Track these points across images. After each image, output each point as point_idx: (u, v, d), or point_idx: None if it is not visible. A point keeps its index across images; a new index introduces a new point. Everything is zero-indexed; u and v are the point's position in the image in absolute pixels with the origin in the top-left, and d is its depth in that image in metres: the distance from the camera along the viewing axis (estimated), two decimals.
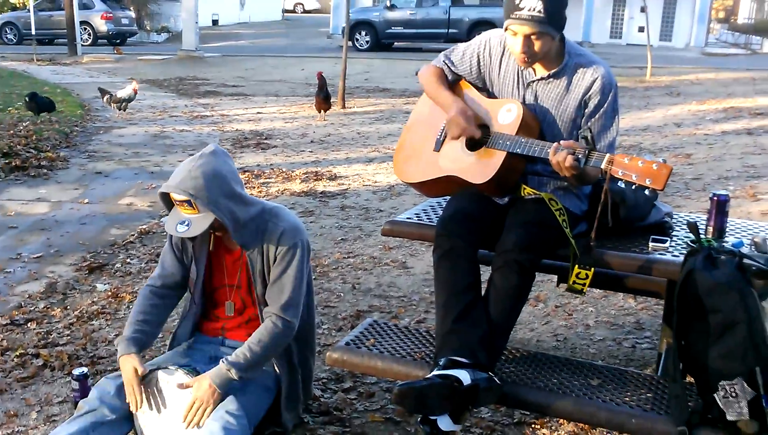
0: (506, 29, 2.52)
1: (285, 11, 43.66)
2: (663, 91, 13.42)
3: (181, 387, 2.53)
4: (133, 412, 2.61)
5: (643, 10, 19.10)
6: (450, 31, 21.25)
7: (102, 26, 24.68)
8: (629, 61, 19.06)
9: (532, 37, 2.45)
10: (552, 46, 2.53)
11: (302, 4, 50.47)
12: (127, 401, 2.60)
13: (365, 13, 23.70)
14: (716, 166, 7.36)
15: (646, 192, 2.26)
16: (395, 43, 22.97)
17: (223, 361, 2.51)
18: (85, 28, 24.04)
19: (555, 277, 3.33)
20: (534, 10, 2.41)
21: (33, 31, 20.19)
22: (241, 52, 22.18)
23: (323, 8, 44.31)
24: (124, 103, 10.71)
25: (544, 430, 2.94)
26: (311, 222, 5.72)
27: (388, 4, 22.75)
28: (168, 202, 2.57)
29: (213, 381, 2.48)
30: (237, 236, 2.56)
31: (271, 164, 7.75)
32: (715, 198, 2.69)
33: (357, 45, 22.67)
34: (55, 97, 11.26)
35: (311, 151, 8.47)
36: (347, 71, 12.09)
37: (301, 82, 15.24)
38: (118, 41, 24.85)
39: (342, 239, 5.34)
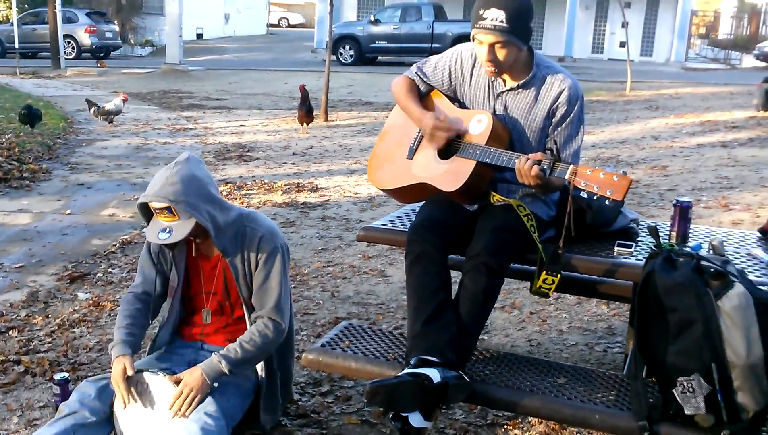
0: (473, 39, 2.62)
1: (270, 26, 43.76)
2: (642, 104, 13.61)
3: (173, 380, 2.59)
4: (120, 415, 2.66)
5: (623, 25, 19.35)
6: (433, 45, 21.44)
7: (86, 40, 24.71)
8: (610, 75, 19.31)
9: (497, 45, 2.55)
10: (518, 57, 2.63)
11: (287, 19, 50.68)
12: (113, 403, 2.65)
13: (349, 27, 23.87)
14: (691, 177, 7.51)
15: (607, 202, 2.35)
16: (379, 58, 23.16)
17: (215, 354, 2.57)
18: (69, 42, 24.06)
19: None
20: (497, 20, 2.50)
21: (16, 45, 20.20)
22: (225, 66, 22.25)
23: (308, 23, 44.54)
24: (110, 116, 10.76)
25: (516, 431, 3.02)
26: (292, 232, 5.79)
27: (372, 19, 22.98)
28: (147, 212, 2.63)
29: (204, 371, 2.54)
30: (217, 241, 2.62)
31: (253, 176, 7.82)
32: (678, 205, 2.79)
33: (341, 59, 22.82)
34: (38, 109, 11.27)
35: (293, 163, 8.55)
36: (331, 85, 12.21)
37: (285, 95, 15.33)
38: (101, 55, 24.88)
39: (322, 249, 5.41)
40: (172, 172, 2.55)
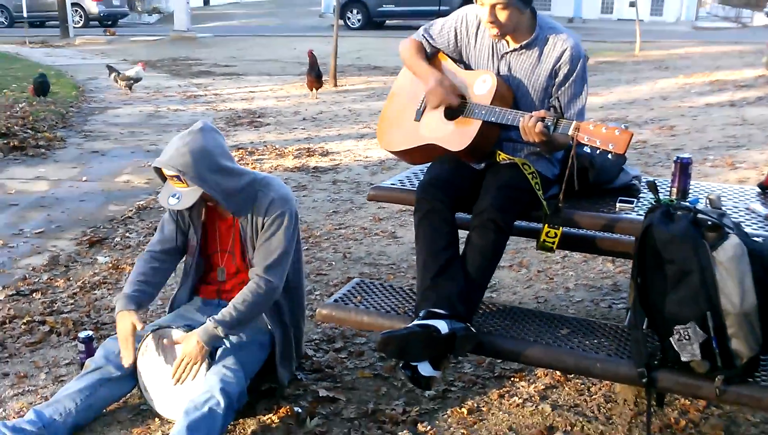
0: (477, 1, 2.70)
1: None
2: (652, 65, 13.56)
3: (171, 343, 2.73)
4: (143, 370, 2.80)
5: None
6: (441, 8, 21.28)
7: (93, 8, 24.63)
8: (620, 36, 19.19)
9: (498, 6, 2.63)
10: (520, 19, 2.70)
11: None
12: (137, 358, 2.79)
13: None
14: (698, 137, 7.55)
15: (609, 156, 2.44)
16: (387, 22, 23.01)
17: (209, 320, 2.70)
18: (77, 10, 24.02)
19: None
20: None
21: (24, 14, 20.20)
22: (233, 33, 22.21)
23: None
24: (131, 82, 10.87)
25: (522, 383, 3.13)
26: (304, 196, 5.90)
27: None
28: (162, 175, 2.75)
29: (200, 338, 2.67)
30: (227, 205, 2.74)
31: (264, 142, 7.91)
32: (678, 161, 2.87)
33: (349, 24, 22.70)
34: (50, 78, 11.36)
35: (304, 129, 8.63)
36: (340, 50, 12.21)
37: (293, 61, 15.34)
38: (109, 23, 24.84)
39: (334, 212, 5.52)
40: (183, 143, 2.66)
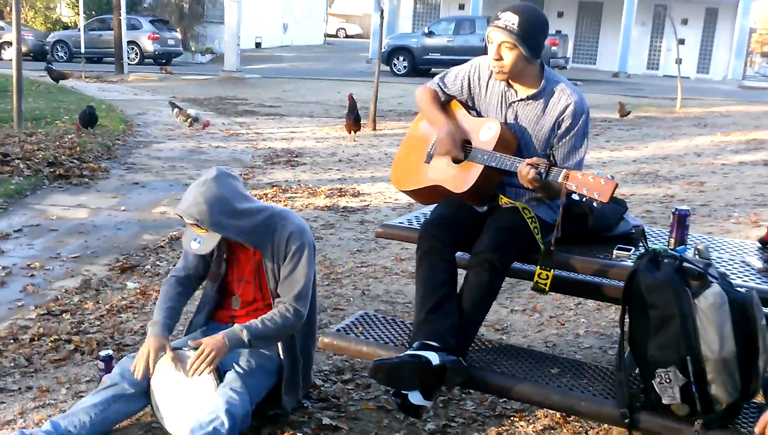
0: (487, 37, 2.86)
1: (327, 36, 44.45)
2: (691, 122, 13.59)
3: (195, 344, 2.86)
4: (156, 389, 2.95)
5: (681, 42, 19.25)
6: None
7: (149, 46, 25.50)
8: (663, 92, 19.22)
9: (504, 45, 2.79)
10: (527, 68, 2.86)
11: (344, 29, 51.30)
12: (150, 378, 2.94)
13: (404, 39, 24.19)
14: (726, 193, 7.58)
15: (595, 204, 2.56)
16: (432, 69, 23.38)
17: (238, 324, 2.87)
18: (133, 48, 24.87)
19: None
20: (510, 22, 2.77)
21: (82, 50, 20.98)
22: (281, 74, 22.76)
23: (365, 33, 45.03)
24: (191, 120, 11.25)
25: (521, 423, 3.21)
26: (331, 234, 6.07)
27: (426, 31, 23.26)
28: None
29: (225, 335, 2.82)
30: (247, 241, 2.92)
31: (298, 180, 8.13)
32: (677, 212, 2.97)
33: (395, 70, 23.16)
34: (100, 112, 11.81)
35: (338, 170, 8.85)
36: (382, 95, 12.51)
37: (336, 104, 15.67)
38: (164, 61, 25.64)
39: (358, 250, 5.67)
40: (198, 193, 2.84)
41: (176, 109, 11.47)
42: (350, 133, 11.01)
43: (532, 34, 2.80)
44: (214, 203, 2.82)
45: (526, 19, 2.78)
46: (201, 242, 2.86)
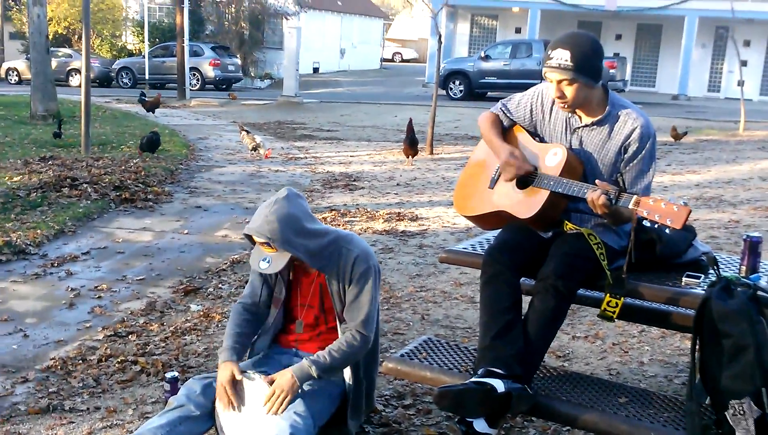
0: (545, 76, 2.85)
1: (383, 60, 44.83)
2: (755, 145, 13.30)
3: (267, 381, 2.89)
4: (221, 411, 2.98)
5: (744, 63, 18.89)
6: (543, 81, 21.47)
7: (210, 72, 26.07)
8: (725, 114, 18.87)
9: (564, 83, 2.77)
10: (590, 94, 2.83)
11: (401, 54, 51.68)
12: (215, 400, 2.97)
13: (460, 63, 24.25)
14: None
15: (667, 230, 2.52)
16: (488, 93, 23.37)
17: (306, 359, 2.87)
18: (194, 74, 25.43)
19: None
20: (562, 59, 2.74)
21: (147, 76, 21.55)
22: (338, 99, 23.01)
23: (421, 58, 45.28)
24: (255, 144, 11.44)
25: None
26: (390, 258, 6.08)
27: (483, 55, 23.28)
28: (252, 239, 2.98)
29: (294, 373, 2.84)
30: (314, 264, 2.94)
31: (357, 204, 8.19)
32: (748, 239, 2.90)
33: (451, 94, 23.20)
34: (164, 137, 12.10)
35: (396, 194, 8.88)
36: (439, 119, 12.53)
37: (393, 128, 15.76)
38: (224, 86, 26.15)
39: (417, 275, 5.67)
40: (270, 211, 2.87)
41: (244, 133, 11.66)
42: (408, 157, 11.06)
43: (587, 63, 2.77)
44: (286, 222, 2.85)
45: (578, 50, 2.75)
46: (270, 262, 2.89)
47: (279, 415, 2.83)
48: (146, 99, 17.32)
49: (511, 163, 2.96)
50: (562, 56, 2.74)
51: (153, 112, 16.80)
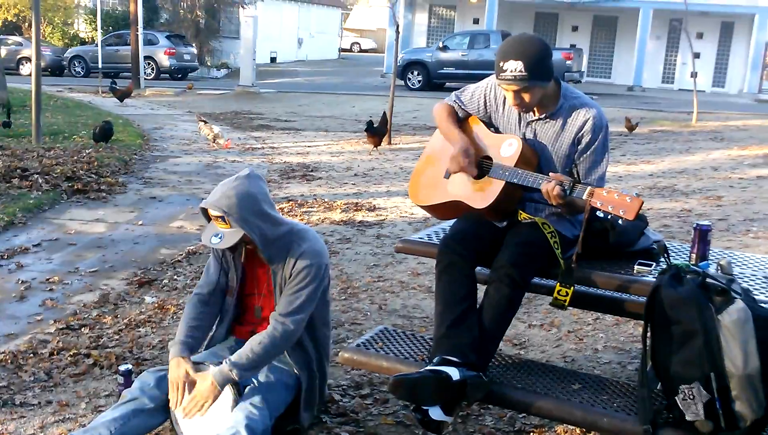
0: (500, 87, 2.87)
1: (342, 50, 44.67)
2: (707, 135, 13.54)
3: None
4: (172, 409, 2.95)
5: (697, 56, 19.18)
6: None
7: (165, 61, 25.73)
8: (678, 106, 19.18)
9: (520, 92, 2.79)
10: (545, 93, 2.86)
11: (359, 44, 51.55)
12: (169, 397, 2.94)
13: (418, 53, 24.26)
14: (744, 208, 7.54)
15: (620, 221, 2.55)
16: (447, 84, 23.43)
17: (226, 362, 2.83)
18: (149, 63, 25.08)
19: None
20: (516, 70, 2.74)
21: (100, 65, 21.18)
22: (296, 89, 22.88)
23: (379, 48, 45.21)
24: (213, 135, 11.34)
25: None
26: (347, 248, 6.07)
27: (441, 46, 23.32)
28: (207, 215, 2.95)
29: (215, 379, 2.81)
30: (264, 251, 2.91)
31: (314, 195, 8.16)
32: (698, 228, 2.95)
33: (409, 84, 23.21)
34: (117, 127, 11.90)
35: (354, 184, 8.87)
36: (397, 109, 12.54)
37: (351, 118, 15.72)
38: (180, 76, 25.82)
39: (374, 265, 5.67)
40: (230, 187, 2.86)
41: (202, 123, 11.53)
42: (374, 147, 11.18)
43: (540, 68, 2.77)
44: (244, 199, 2.83)
45: (529, 58, 2.75)
46: (222, 238, 2.85)
47: (227, 389, 2.80)
48: (117, 88, 17.08)
49: (458, 159, 2.96)
50: (515, 67, 2.74)
51: (122, 102, 16.65)
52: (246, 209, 2.83)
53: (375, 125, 11.11)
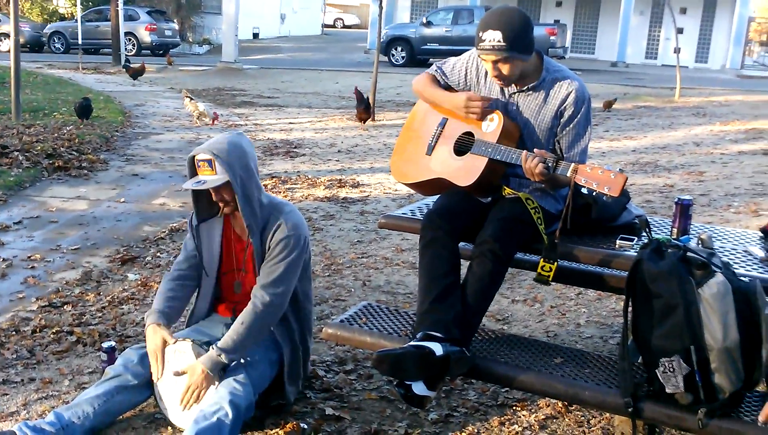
0: (479, 59, 2.86)
1: (325, 26, 44.32)
2: (690, 111, 13.59)
3: (177, 375, 2.86)
4: (155, 380, 2.95)
5: (680, 31, 19.16)
6: None
7: (146, 37, 25.46)
8: (661, 81, 19.21)
9: (499, 63, 2.78)
10: (525, 66, 2.85)
11: (342, 20, 51.14)
12: (150, 370, 2.94)
13: (402, 29, 24.14)
14: (726, 183, 7.59)
15: (605, 198, 2.56)
16: (430, 60, 23.31)
17: (213, 347, 2.84)
18: (130, 39, 24.82)
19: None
20: (494, 40, 2.73)
21: (80, 41, 20.95)
22: (278, 65, 22.72)
23: (363, 24, 44.89)
24: (198, 112, 11.29)
25: (524, 412, 3.22)
26: (331, 225, 6.07)
27: (425, 21, 23.21)
28: (193, 171, 2.92)
29: (205, 366, 2.82)
30: (243, 210, 2.88)
31: (298, 171, 8.13)
32: (680, 202, 2.97)
33: (393, 60, 23.12)
34: (98, 104, 11.79)
35: (338, 160, 8.84)
36: (381, 85, 12.49)
37: (335, 94, 15.65)
38: (161, 52, 25.58)
39: (358, 241, 5.67)
40: (223, 137, 2.91)
41: (188, 99, 11.45)
42: (362, 123, 11.11)
43: (519, 39, 2.76)
44: (235, 148, 2.87)
45: (509, 29, 2.73)
46: (205, 183, 2.84)
47: (197, 405, 2.81)
48: (130, 66, 16.93)
49: (474, 98, 2.92)
50: (494, 37, 2.73)
51: (136, 79, 16.61)
52: (234, 157, 2.86)
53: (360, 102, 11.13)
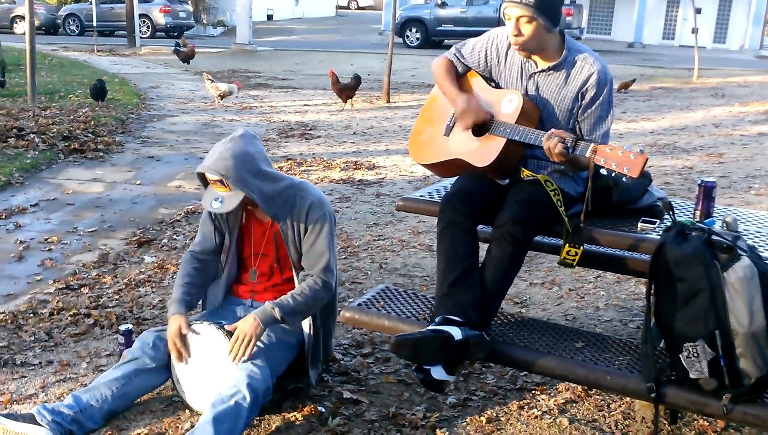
0: (504, 15, 2.79)
1: (339, 7, 44.15)
2: (708, 92, 13.44)
3: (230, 329, 2.85)
4: (174, 363, 2.95)
5: (698, 11, 18.93)
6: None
7: (161, 19, 25.41)
8: (679, 62, 19.02)
9: (522, 20, 2.72)
10: (548, 39, 2.79)
11: (356, 1, 50.93)
12: (169, 354, 2.94)
13: (416, 10, 23.95)
14: (746, 165, 7.49)
15: (624, 179, 2.51)
16: (445, 41, 23.18)
17: (269, 302, 2.85)
18: (144, 21, 24.79)
19: None
20: None
21: (94, 23, 20.95)
22: (292, 47, 22.64)
23: (377, 5, 44.70)
24: (221, 93, 11.29)
25: (543, 396, 3.19)
26: (347, 207, 6.04)
27: (439, 2, 23.00)
28: (204, 180, 2.91)
29: (258, 316, 2.82)
30: (267, 209, 2.88)
31: (313, 153, 8.10)
32: (703, 184, 2.92)
33: (407, 42, 22.97)
34: (113, 86, 11.79)
35: (353, 142, 8.80)
36: (395, 67, 12.42)
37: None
38: (176, 34, 25.53)
39: (374, 223, 5.65)
40: (226, 148, 2.82)
41: (209, 81, 11.43)
42: (345, 102, 11.18)
43: (548, 3, 2.72)
44: (241, 160, 2.80)
45: None
46: (222, 202, 2.82)
47: (243, 360, 2.80)
48: (180, 50, 16.88)
49: (468, 111, 2.92)
50: None
51: (188, 63, 16.56)
52: (243, 170, 2.80)
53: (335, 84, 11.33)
